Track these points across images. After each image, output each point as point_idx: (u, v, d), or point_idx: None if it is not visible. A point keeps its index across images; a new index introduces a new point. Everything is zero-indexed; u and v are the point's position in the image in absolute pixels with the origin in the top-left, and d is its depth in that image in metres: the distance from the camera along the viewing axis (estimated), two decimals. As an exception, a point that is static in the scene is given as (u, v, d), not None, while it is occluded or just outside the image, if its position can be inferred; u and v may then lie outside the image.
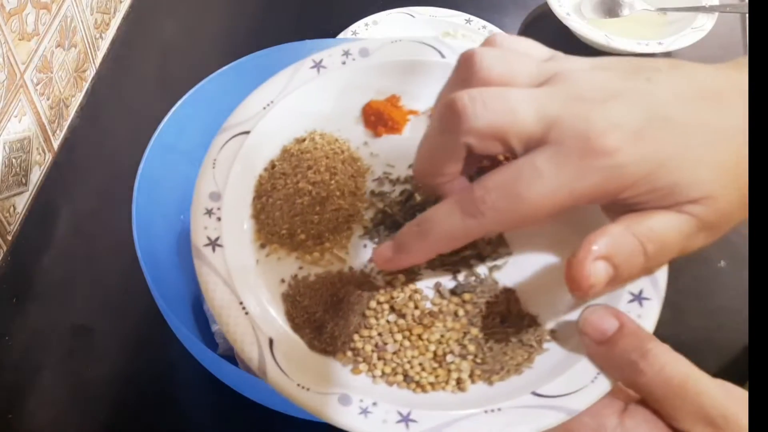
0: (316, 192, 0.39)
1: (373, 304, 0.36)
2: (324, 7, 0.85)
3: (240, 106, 0.41)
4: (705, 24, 0.80)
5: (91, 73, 0.76)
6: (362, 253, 0.38)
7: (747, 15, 0.84)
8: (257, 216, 0.39)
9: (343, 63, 0.42)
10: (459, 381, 0.34)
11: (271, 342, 0.34)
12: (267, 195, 0.39)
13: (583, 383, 0.33)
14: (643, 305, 0.35)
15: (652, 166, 0.31)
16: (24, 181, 0.64)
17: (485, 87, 0.32)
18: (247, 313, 0.35)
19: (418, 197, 0.39)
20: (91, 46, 0.75)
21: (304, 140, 0.41)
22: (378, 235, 0.39)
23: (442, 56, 0.42)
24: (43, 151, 0.67)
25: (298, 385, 0.33)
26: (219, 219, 0.37)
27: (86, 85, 0.75)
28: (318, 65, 0.42)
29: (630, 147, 0.30)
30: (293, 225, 0.38)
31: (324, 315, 0.36)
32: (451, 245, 0.34)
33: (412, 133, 0.42)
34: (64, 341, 0.59)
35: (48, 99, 0.67)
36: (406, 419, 0.33)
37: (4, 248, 0.63)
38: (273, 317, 0.36)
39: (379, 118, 0.42)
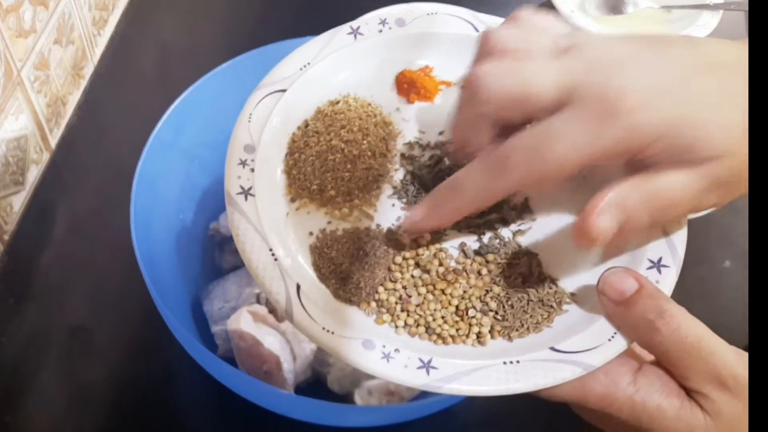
0: (348, 150, 0.40)
1: (398, 259, 0.38)
2: (324, 4, 0.84)
3: (278, 65, 0.42)
4: (709, 21, 0.79)
5: (89, 71, 0.75)
6: (390, 212, 0.40)
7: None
8: (289, 171, 0.40)
9: (380, 31, 0.44)
10: (479, 335, 0.36)
11: (298, 287, 0.35)
12: (299, 151, 0.40)
13: (600, 341, 0.35)
14: (662, 272, 0.36)
15: (667, 126, 0.32)
16: (21, 180, 0.64)
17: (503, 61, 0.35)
18: (276, 260, 0.36)
19: (446, 162, 0.41)
20: (89, 44, 0.74)
21: (337, 102, 0.42)
22: (406, 195, 0.40)
23: (476, 30, 0.44)
24: (41, 149, 0.67)
25: (323, 328, 0.34)
26: (252, 170, 0.38)
27: (84, 83, 0.74)
28: (355, 32, 0.44)
29: (646, 108, 0.32)
30: (324, 181, 0.39)
31: (350, 267, 0.37)
32: (479, 204, 0.36)
33: (443, 102, 0.43)
34: (61, 342, 0.58)
35: (45, 97, 0.66)
36: (427, 366, 0.34)
37: (1, 248, 0.62)
38: (301, 265, 0.37)
39: (412, 86, 0.43)
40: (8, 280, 0.61)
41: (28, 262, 0.62)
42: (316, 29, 0.64)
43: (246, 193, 0.37)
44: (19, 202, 0.64)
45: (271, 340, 0.51)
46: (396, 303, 0.36)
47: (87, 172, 0.69)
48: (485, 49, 0.36)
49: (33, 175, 0.66)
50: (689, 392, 0.34)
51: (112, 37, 0.79)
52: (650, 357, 0.35)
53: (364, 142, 0.40)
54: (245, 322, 0.51)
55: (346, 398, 0.53)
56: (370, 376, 0.52)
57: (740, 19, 0.85)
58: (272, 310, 0.54)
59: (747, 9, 0.82)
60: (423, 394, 0.52)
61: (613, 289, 0.35)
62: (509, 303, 0.37)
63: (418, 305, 0.36)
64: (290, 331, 0.54)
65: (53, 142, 0.69)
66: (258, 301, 0.54)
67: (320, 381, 0.54)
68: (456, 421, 0.55)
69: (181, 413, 0.57)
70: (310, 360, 0.53)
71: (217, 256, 0.59)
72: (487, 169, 0.34)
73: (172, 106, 0.54)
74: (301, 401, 0.47)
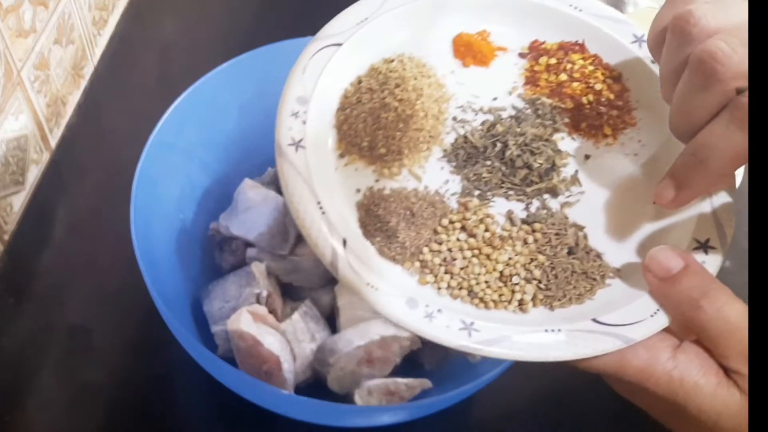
0: (402, 109, 0.40)
1: (445, 222, 0.38)
2: (323, 5, 0.84)
3: (335, 18, 0.42)
4: (709, 21, 0.79)
5: (89, 71, 0.75)
6: (439, 175, 0.40)
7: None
8: (339, 126, 0.40)
9: None
10: (521, 302, 0.36)
11: (344, 242, 0.36)
12: (351, 107, 0.40)
13: (642, 317, 0.35)
14: (708, 253, 0.37)
15: None
16: (21, 179, 0.64)
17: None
18: (323, 213, 0.36)
19: (500, 127, 0.41)
20: (89, 44, 0.74)
21: (392, 61, 0.42)
22: (456, 159, 0.40)
23: None
24: (41, 149, 0.67)
25: (368, 284, 0.35)
26: (304, 122, 0.38)
27: (84, 83, 0.74)
28: None
29: None
30: (375, 138, 0.39)
31: (396, 225, 0.37)
32: (735, 166, 0.34)
33: (499, 68, 0.43)
34: (61, 342, 0.58)
35: (45, 97, 0.66)
36: (468, 327, 0.34)
37: (1, 248, 0.62)
38: (346, 221, 0.37)
39: (469, 49, 0.43)
40: (8, 279, 0.61)
41: (28, 261, 0.62)
42: (316, 29, 0.64)
43: (297, 144, 0.37)
44: (19, 201, 0.64)
45: (271, 340, 0.51)
46: (440, 265, 0.37)
47: (87, 172, 0.69)
48: (689, 27, 0.33)
49: (33, 175, 0.66)
50: (727, 371, 0.34)
51: (112, 37, 0.79)
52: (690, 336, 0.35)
53: (418, 102, 0.40)
54: (245, 322, 0.51)
55: (345, 398, 0.53)
56: (370, 377, 0.53)
57: (740, 19, 0.85)
58: (272, 310, 0.54)
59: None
60: (422, 394, 0.52)
61: (659, 265, 0.35)
62: (553, 273, 0.37)
63: (462, 268, 0.36)
64: (290, 331, 0.54)
65: (53, 142, 0.69)
66: (258, 301, 0.54)
67: (320, 381, 0.54)
68: (455, 421, 0.56)
69: (181, 413, 0.57)
70: (310, 360, 0.53)
71: (217, 256, 0.59)
72: (740, 123, 0.32)
73: (172, 106, 0.54)
74: (300, 401, 0.47)
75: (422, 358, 0.55)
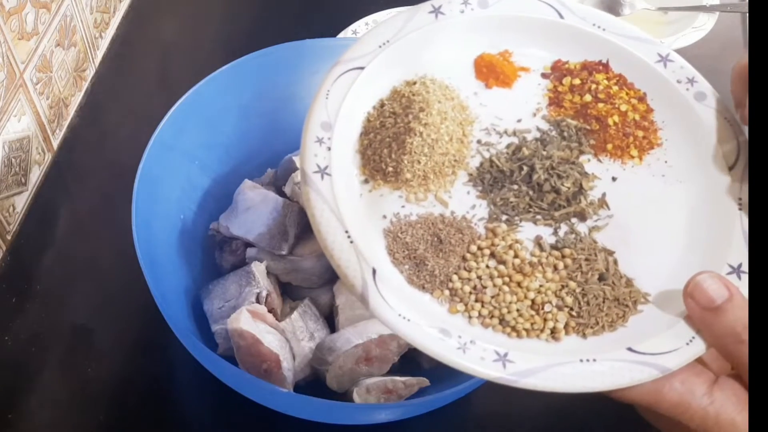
0: (427, 134, 0.39)
1: (473, 248, 0.37)
2: (324, 7, 0.85)
3: (357, 42, 0.41)
4: (706, 23, 0.80)
5: (90, 73, 0.75)
6: (465, 200, 0.39)
7: (747, 14, 0.84)
8: (363, 151, 0.39)
9: (462, 12, 0.43)
10: (554, 330, 0.36)
11: (374, 272, 0.35)
12: (375, 132, 0.40)
13: (678, 345, 0.34)
14: (741, 278, 0.36)
15: None
16: (23, 180, 0.64)
17: None
18: (352, 242, 0.35)
19: (525, 151, 0.40)
20: (91, 46, 0.75)
21: (414, 83, 0.41)
22: (482, 183, 0.39)
23: (561, 17, 0.43)
24: (43, 150, 0.67)
25: (399, 315, 0.34)
26: (329, 149, 0.38)
27: (86, 85, 0.75)
28: (436, 11, 0.43)
29: None
30: (400, 163, 0.39)
31: (425, 253, 0.37)
32: None
33: (522, 89, 0.43)
34: (64, 341, 0.59)
35: (47, 98, 0.67)
36: (503, 359, 0.34)
37: (4, 248, 0.62)
38: (374, 248, 0.37)
39: (491, 70, 0.43)
40: (11, 279, 0.61)
41: (31, 261, 0.63)
42: (316, 31, 0.65)
43: (322, 172, 0.37)
44: (21, 202, 0.65)
45: (270, 339, 0.51)
46: (470, 293, 0.36)
47: (89, 173, 0.69)
48: None
49: (35, 175, 0.66)
50: None
51: (113, 39, 0.79)
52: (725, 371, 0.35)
53: (443, 126, 0.39)
54: (245, 321, 0.51)
55: (344, 396, 0.54)
56: (368, 375, 0.53)
57: (736, 22, 0.86)
58: (271, 309, 0.55)
59: (743, 11, 0.83)
60: (420, 392, 0.52)
61: (703, 294, 0.34)
62: (585, 300, 0.36)
63: (493, 296, 0.36)
64: (289, 330, 0.54)
65: (55, 143, 0.69)
66: (257, 301, 0.54)
67: (319, 379, 0.54)
68: (453, 418, 0.56)
69: (181, 411, 0.57)
70: (309, 358, 0.54)
71: (217, 255, 0.60)
72: None
73: (173, 108, 0.55)
74: (299, 399, 0.47)
75: (420, 356, 0.55)
